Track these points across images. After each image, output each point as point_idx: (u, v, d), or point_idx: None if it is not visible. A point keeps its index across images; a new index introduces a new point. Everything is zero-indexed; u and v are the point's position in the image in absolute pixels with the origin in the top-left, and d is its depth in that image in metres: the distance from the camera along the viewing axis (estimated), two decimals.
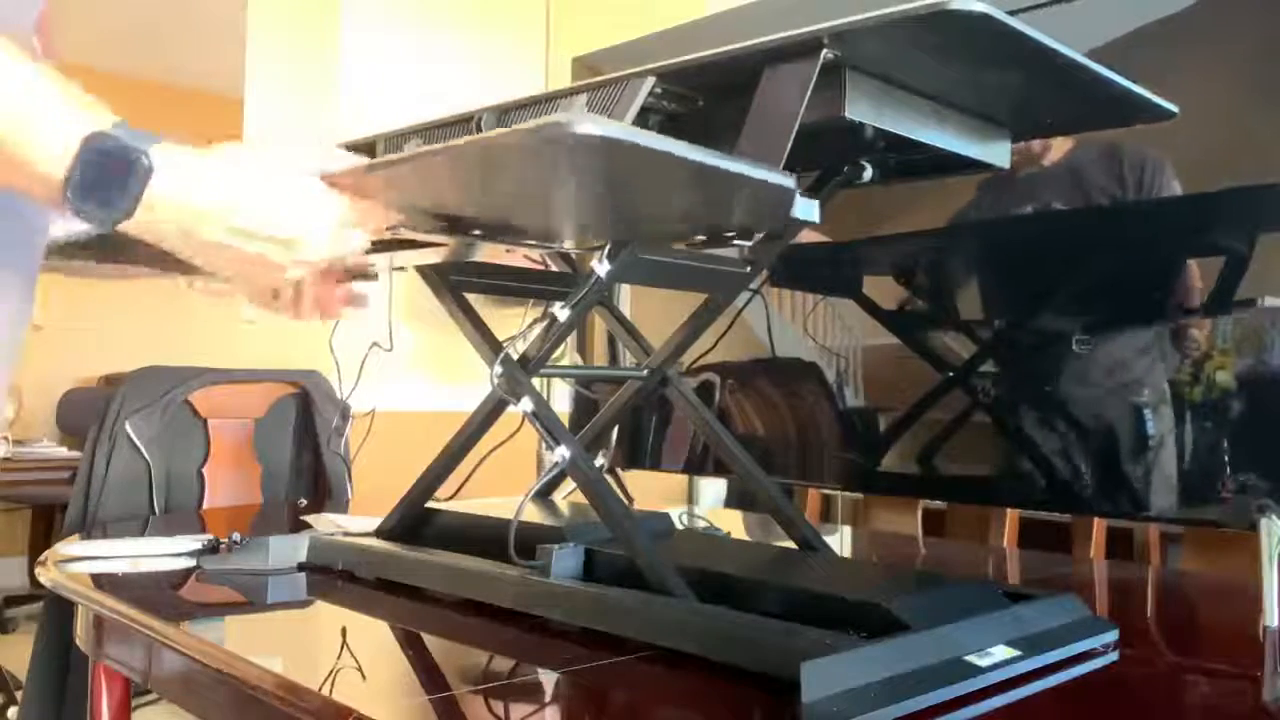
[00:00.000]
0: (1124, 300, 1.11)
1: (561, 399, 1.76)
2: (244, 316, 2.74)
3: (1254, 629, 0.89)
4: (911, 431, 1.28)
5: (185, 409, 1.82)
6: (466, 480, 1.13)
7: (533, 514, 0.99)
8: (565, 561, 0.85)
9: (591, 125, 0.57)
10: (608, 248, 0.81)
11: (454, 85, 2.79)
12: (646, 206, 0.77)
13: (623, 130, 0.59)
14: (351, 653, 0.84)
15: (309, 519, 1.24)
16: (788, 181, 0.66)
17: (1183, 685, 0.79)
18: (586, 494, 0.84)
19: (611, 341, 1.65)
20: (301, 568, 1.03)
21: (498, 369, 0.86)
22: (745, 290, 1.17)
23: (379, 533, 1.02)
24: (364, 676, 0.77)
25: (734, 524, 1.61)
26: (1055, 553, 1.67)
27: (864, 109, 0.72)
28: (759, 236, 0.77)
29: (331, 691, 0.69)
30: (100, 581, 1.02)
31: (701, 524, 1.43)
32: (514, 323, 0.97)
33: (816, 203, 0.70)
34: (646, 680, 0.72)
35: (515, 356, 0.86)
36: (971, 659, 0.68)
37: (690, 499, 2.31)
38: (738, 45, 0.70)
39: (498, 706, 0.69)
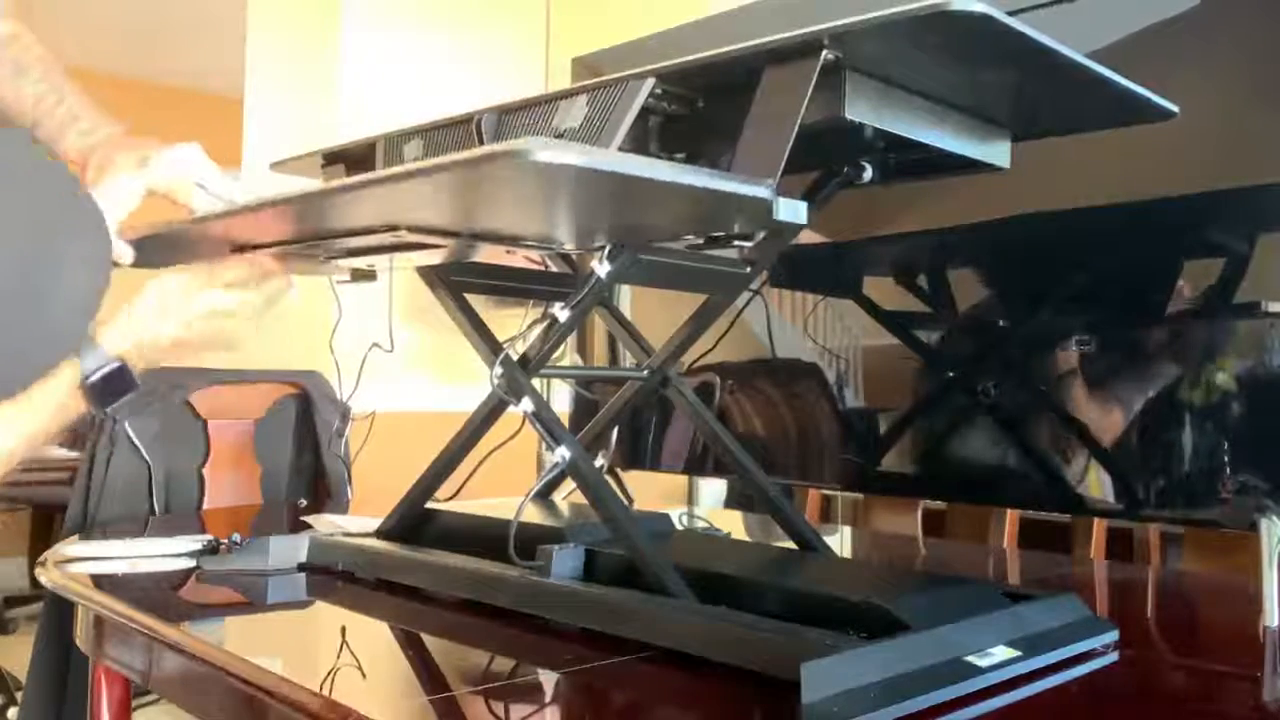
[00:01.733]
0: (1124, 300, 1.11)
1: (561, 399, 1.76)
2: None
3: (1254, 629, 0.89)
4: (911, 431, 1.28)
5: (185, 409, 1.81)
6: (467, 481, 1.13)
7: (533, 514, 0.99)
8: (565, 561, 0.85)
9: (548, 153, 0.57)
10: (608, 248, 0.81)
11: (454, 85, 2.79)
12: (627, 215, 0.77)
13: (580, 156, 0.59)
14: (351, 653, 0.84)
15: (309, 519, 1.24)
16: (765, 193, 0.66)
17: (1183, 685, 0.79)
18: (586, 494, 0.84)
19: (611, 341, 1.65)
20: (301, 568, 1.03)
21: (498, 369, 0.86)
22: (745, 290, 1.17)
23: (379, 533, 1.02)
24: (364, 676, 0.77)
25: (734, 524, 1.61)
26: (1055, 553, 1.67)
27: (864, 109, 0.72)
28: (759, 237, 0.77)
29: (331, 691, 0.69)
30: (100, 582, 1.02)
31: (701, 524, 1.43)
32: (514, 323, 0.98)
33: (804, 204, 0.70)
34: (646, 680, 0.72)
35: (515, 357, 0.86)
36: (971, 659, 0.68)
37: (690, 499, 2.31)
38: (738, 46, 0.70)
39: (498, 706, 0.70)
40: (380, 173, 0.68)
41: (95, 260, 0.69)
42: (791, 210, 0.69)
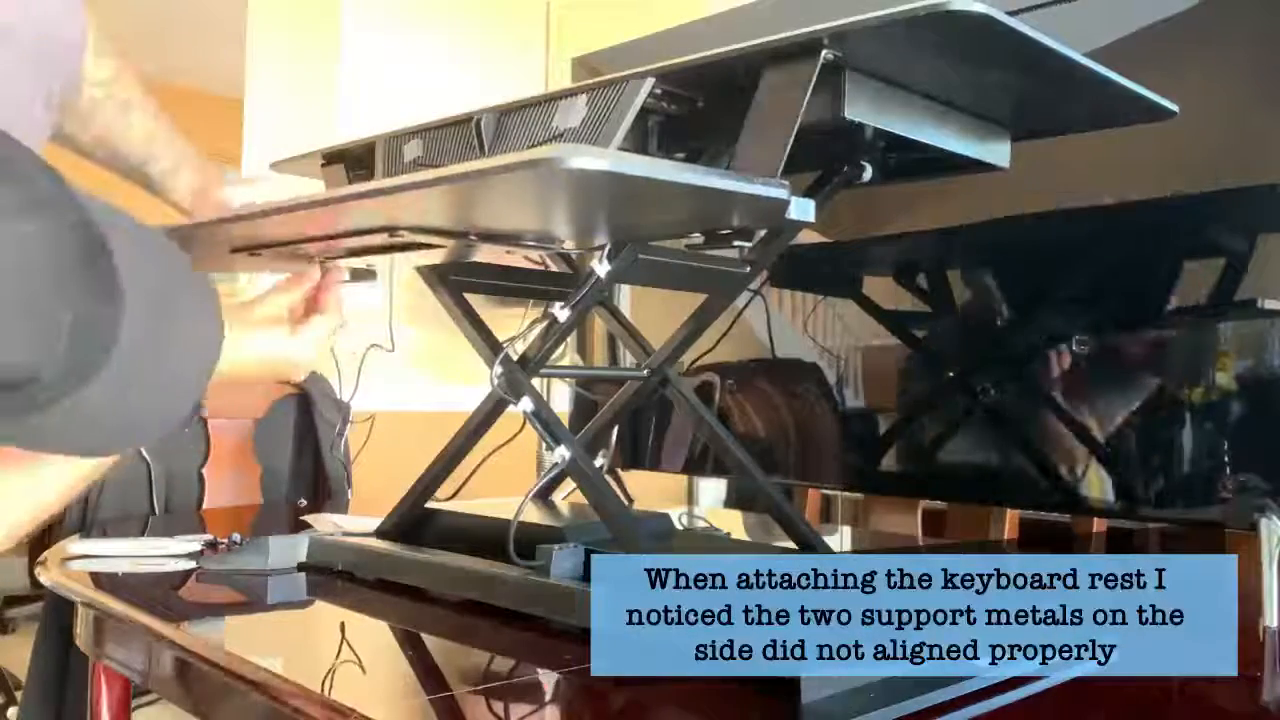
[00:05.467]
0: (1124, 300, 1.11)
1: (561, 399, 1.76)
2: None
3: (1254, 629, 0.89)
4: (912, 431, 1.28)
5: None
6: (467, 481, 1.13)
7: (533, 514, 0.99)
8: (565, 561, 0.85)
9: (582, 159, 0.57)
10: (608, 248, 0.81)
11: (454, 85, 2.79)
12: (642, 216, 0.77)
13: (613, 162, 0.58)
14: (352, 652, 0.84)
15: (309, 519, 1.24)
16: (781, 193, 0.66)
17: (1182, 685, 0.79)
18: (586, 494, 0.84)
19: (611, 341, 1.65)
20: (301, 568, 1.03)
21: (498, 369, 0.86)
22: (745, 290, 1.17)
23: (379, 533, 1.02)
24: (364, 676, 0.77)
25: (734, 524, 1.61)
26: (1055, 553, 1.67)
27: (864, 109, 0.72)
28: (759, 236, 0.77)
29: (331, 691, 0.69)
30: (100, 581, 1.02)
31: (701, 524, 1.43)
32: (514, 323, 0.97)
33: (813, 202, 0.70)
34: (646, 680, 0.72)
35: (515, 356, 0.86)
36: None
37: (690, 499, 2.31)
38: (737, 45, 0.70)
39: (498, 706, 0.70)
40: (407, 178, 0.67)
41: (209, 311, 0.68)
42: (803, 209, 0.69)
